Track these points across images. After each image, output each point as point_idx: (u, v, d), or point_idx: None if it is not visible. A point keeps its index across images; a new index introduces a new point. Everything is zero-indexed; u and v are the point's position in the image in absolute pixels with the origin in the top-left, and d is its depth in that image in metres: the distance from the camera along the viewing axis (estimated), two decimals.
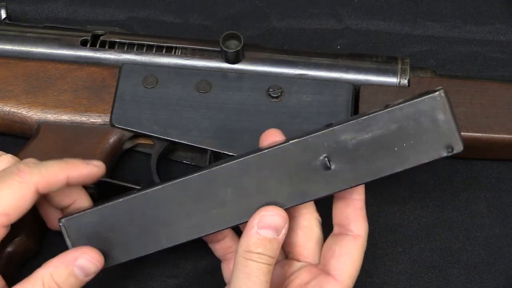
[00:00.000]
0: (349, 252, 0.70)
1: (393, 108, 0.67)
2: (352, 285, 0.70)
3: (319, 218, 0.73)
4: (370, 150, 0.67)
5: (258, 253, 0.66)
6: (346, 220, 0.71)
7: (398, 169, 0.68)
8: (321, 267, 0.71)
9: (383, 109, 0.67)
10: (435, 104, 0.67)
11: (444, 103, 0.67)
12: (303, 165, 0.68)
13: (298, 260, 0.73)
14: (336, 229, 0.72)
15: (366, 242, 0.71)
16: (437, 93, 0.67)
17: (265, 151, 0.68)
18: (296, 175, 0.68)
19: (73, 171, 0.70)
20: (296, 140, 0.68)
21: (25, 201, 0.68)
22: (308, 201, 0.69)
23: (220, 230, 0.70)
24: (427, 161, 0.67)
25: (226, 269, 0.75)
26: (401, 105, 0.67)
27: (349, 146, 0.67)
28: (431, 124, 0.67)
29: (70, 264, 0.67)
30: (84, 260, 0.67)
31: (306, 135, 0.68)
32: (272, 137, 0.72)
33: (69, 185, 0.70)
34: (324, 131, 0.67)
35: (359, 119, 0.67)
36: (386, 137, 0.67)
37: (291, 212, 0.71)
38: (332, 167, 0.68)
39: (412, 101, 0.67)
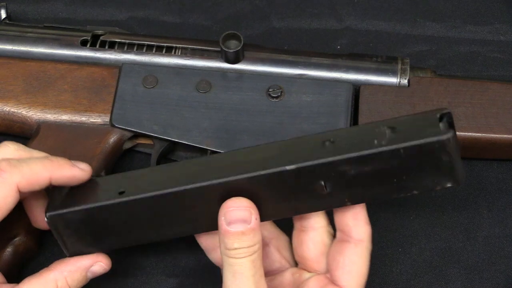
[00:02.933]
0: (352, 261, 0.69)
1: (397, 147, 0.64)
2: None
3: (332, 231, 0.71)
4: (369, 179, 0.66)
5: (235, 248, 0.66)
6: (347, 227, 0.69)
7: (395, 196, 0.67)
8: (329, 276, 0.70)
9: (387, 146, 0.64)
10: (442, 147, 0.63)
11: (452, 145, 0.63)
12: (298, 187, 0.67)
13: (309, 271, 0.72)
14: (339, 235, 0.70)
15: (371, 244, 0.69)
16: (445, 137, 0.63)
17: (262, 172, 0.66)
18: (289, 194, 0.67)
19: (56, 172, 0.69)
20: (294, 166, 0.66)
21: (6, 202, 0.67)
22: (298, 215, 0.69)
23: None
24: (425, 191, 0.67)
25: None
26: (406, 144, 0.64)
27: (348, 175, 0.66)
28: (435, 161, 0.64)
29: (85, 270, 0.71)
30: (98, 267, 0.71)
31: (305, 162, 0.66)
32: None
33: (52, 185, 0.69)
34: (324, 161, 0.66)
35: (363, 153, 0.65)
36: (387, 170, 0.65)
37: (303, 226, 0.71)
38: (328, 190, 0.67)
39: (418, 142, 0.64)
